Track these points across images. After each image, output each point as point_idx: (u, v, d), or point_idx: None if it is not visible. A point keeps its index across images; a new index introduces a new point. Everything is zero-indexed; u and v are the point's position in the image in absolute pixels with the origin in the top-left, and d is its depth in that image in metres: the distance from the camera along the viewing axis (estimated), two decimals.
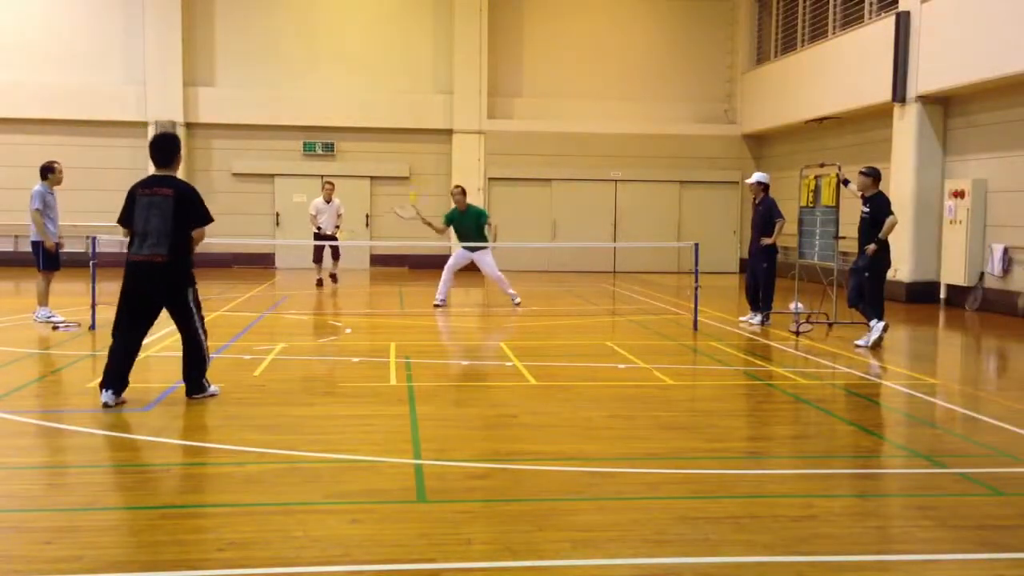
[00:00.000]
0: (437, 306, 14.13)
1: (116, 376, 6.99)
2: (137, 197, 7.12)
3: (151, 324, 7.22)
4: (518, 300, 14.25)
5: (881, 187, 11.27)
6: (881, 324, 10.55)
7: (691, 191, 23.47)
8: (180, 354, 7.39)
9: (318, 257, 17.05)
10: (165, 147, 7.33)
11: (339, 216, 17.22)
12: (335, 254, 17.13)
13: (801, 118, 19.82)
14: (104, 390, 6.96)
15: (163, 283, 7.01)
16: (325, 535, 4.42)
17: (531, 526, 4.61)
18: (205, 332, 7.35)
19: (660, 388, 8.28)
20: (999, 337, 12.48)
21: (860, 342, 10.61)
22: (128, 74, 21.86)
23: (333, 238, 16.82)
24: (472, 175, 22.09)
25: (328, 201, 16.91)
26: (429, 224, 14.10)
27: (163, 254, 6.91)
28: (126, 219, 7.16)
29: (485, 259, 14.09)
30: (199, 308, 7.27)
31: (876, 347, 10.48)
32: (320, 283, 17.05)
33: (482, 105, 22.52)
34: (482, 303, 15.36)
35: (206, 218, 7.18)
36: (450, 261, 14.37)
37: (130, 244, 7.08)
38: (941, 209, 15.71)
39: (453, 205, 14.56)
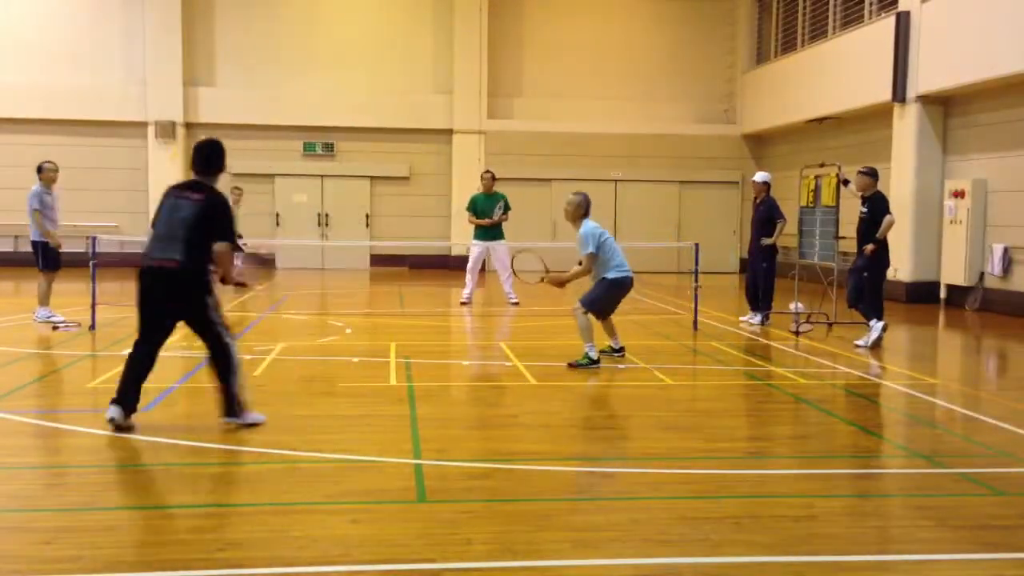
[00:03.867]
0: (464, 303, 14.57)
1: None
2: (167, 199, 6.51)
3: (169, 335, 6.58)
4: (515, 300, 14.31)
5: (881, 187, 11.28)
6: (880, 324, 10.55)
7: (691, 191, 23.46)
8: (180, 354, 7.38)
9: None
10: (205, 153, 6.66)
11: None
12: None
13: (801, 118, 19.81)
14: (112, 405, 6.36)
15: (178, 290, 6.34)
16: (325, 535, 4.42)
17: (531, 526, 4.61)
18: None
19: (660, 388, 8.28)
20: (999, 337, 12.48)
21: (860, 342, 10.61)
22: (128, 74, 21.85)
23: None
24: (472, 175, 22.04)
25: (235, 204, 16.90)
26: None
27: (179, 260, 6.26)
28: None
29: (500, 249, 14.45)
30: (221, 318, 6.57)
31: (876, 347, 10.48)
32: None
33: (482, 105, 22.51)
34: (481, 303, 15.36)
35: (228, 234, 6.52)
36: (471, 260, 14.75)
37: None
38: (941, 209, 15.71)
39: (478, 191, 15.00)
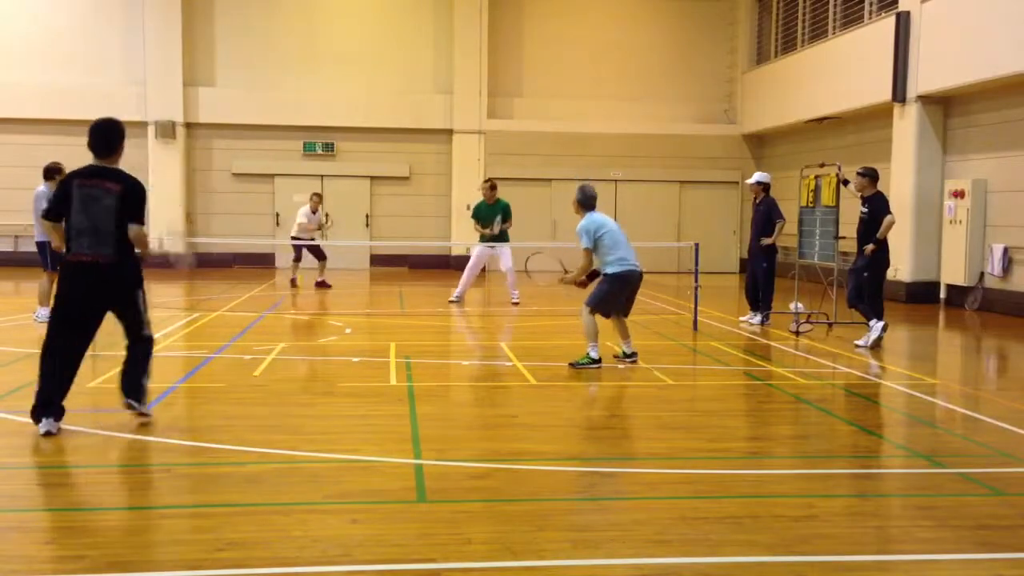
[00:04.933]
0: (452, 302, 14.58)
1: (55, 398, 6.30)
2: (75, 189, 6.29)
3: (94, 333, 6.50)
4: (517, 300, 14.37)
5: (881, 187, 11.28)
6: (880, 324, 10.55)
7: (691, 191, 23.46)
8: (180, 354, 7.38)
9: (299, 256, 17.28)
10: (107, 134, 6.62)
11: (320, 226, 17.59)
12: (320, 255, 17.19)
13: (801, 118, 19.81)
14: (44, 418, 6.20)
15: (110, 285, 6.30)
16: (325, 535, 4.42)
17: (531, 526, 4.61)
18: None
19: (660, 388, 8.28)
20: (999, 337, 12.48)
21: (860, 342, 10.62)
22: (128, 74, 21.85)
23: (315, 245, 17.00)
24: (472, 175, 22.08)
25: (315, 212, 17.04)
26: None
27: (111, 253, 6.22)
28: (56, 213, 6.40)
29: (505, 252, 14.53)
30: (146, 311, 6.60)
31: (876, 347, 10.48)
32: (294, 283, 17.07)
33: (482, 105, 22.51)
34: (482, 303, 15.36)
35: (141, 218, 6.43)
36: (472, 260, 14.75)
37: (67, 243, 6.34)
38: (941, 209, 15.71)
39: (481, 198, 15.05)
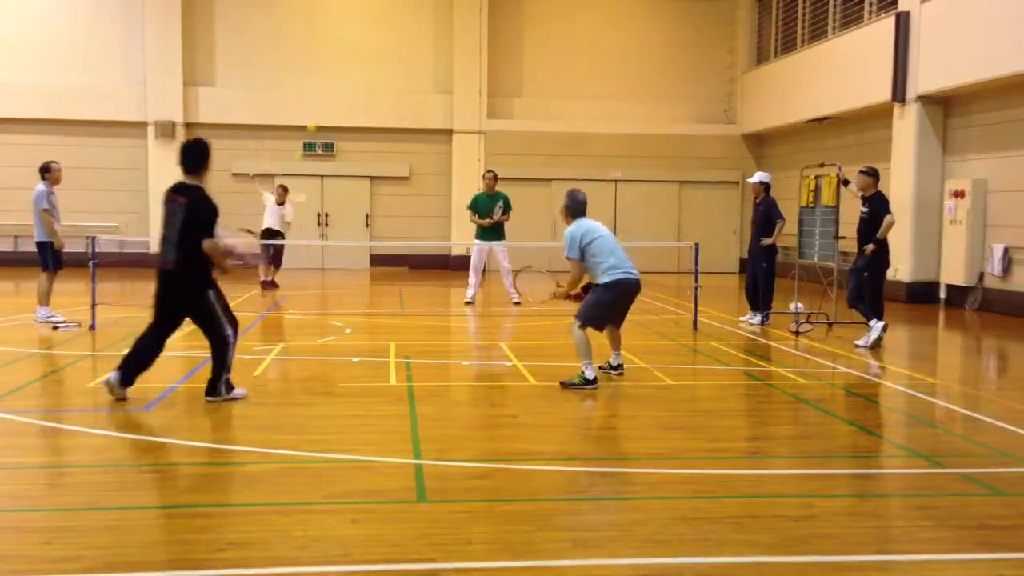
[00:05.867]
0: (468, 303, 14.74)
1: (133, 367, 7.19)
2: (163, 204, 7.24)
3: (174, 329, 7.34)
4: (517, 299, 14.35)
5: (881, 187, 11.28)
6: (880, 324, 10.55)
7: (691, 191, 23.46)
8: (180, 354, 7.43)
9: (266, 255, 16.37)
10: (188, 154, 7.38)
11: (286, 222, 16.95)
12: (277, 260, 16.68)
13: (801, 118, 19.81)
14: (116, 371, 7.13)
15: (174, 291, 7.08)
16: (325, 535, 4.42)
17: (531, 526, 4.61)
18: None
19: (660, 388, 8.28)
20: (999, 337, 12.48)
21: (860, 342, 10.62)
22: (128, 74, 21.85)
23: (280, 236, 16.47)
24: (472, 175, 22.05)
25: (280, 204, 16.72)
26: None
27: (173, 261, 6.97)
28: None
29: (500, 249, 14.61)
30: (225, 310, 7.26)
31: (876, 347, 10.48)
32: (266, 284, 16.42)
33: (482, 105, 22.51)
34: (482, 303, 15.35)
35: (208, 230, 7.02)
36: (473, 259, 14.87)
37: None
38: (941, 209, 15.71)
39: (481, 190, 15.09)
